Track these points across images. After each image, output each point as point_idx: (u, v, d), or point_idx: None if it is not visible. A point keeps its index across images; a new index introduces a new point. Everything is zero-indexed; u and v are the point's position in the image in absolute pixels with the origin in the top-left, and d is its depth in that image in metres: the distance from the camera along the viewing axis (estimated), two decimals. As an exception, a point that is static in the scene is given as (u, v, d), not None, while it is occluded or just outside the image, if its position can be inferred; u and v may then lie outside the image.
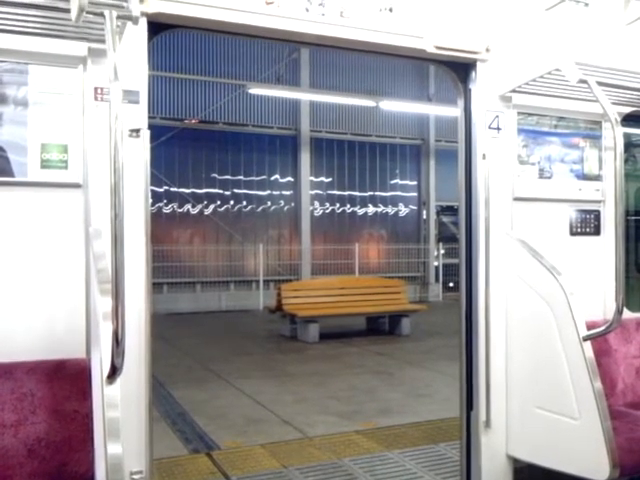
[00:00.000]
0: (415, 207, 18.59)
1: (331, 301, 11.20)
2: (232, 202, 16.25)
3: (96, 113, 2.74)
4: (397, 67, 17.22)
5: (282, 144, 16.81)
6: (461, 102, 3.69)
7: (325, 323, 10.75)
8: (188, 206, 15.82)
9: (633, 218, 4.66)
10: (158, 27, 2.91)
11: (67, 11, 2.29)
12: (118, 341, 2.06)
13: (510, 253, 3.56)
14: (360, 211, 17.79)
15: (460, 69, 3.63)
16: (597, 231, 3.97)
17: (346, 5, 3.18)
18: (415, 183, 18.64)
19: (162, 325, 11.76)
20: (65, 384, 2.66)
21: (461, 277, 3.73)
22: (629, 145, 4.42)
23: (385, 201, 18.15)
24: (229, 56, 15.86)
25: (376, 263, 17.66)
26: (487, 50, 3.52)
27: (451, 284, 17.45)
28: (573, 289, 3.22)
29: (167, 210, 15.56)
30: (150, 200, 2.88)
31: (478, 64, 3.55)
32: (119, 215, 2.07)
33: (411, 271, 17.89)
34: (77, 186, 2.77)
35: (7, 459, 2.53)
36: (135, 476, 2.72)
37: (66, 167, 2.76)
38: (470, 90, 3.63)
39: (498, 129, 3.61)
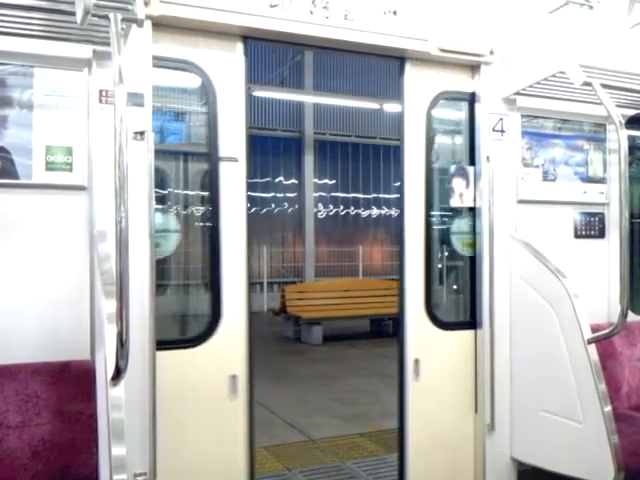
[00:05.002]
0: (419, 209, 18.54)
1: (335, 303, 11.19)
2: (236, 204, 16.23)
3: (101, 115, 2.75)
4: (401, 69, 17.20)
5: (286, 146, 16.83)
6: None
7: (329, 325, 10.74)
8: (192, 208, 15.81)
9: (638, 221, 4.64)
10: None
11: (72, 14, 2.31)
12: (122, 343, 2.06)
13: (514, 255, 3.56)
14: (364, 213, 17.80)
15: None
16: (602, 234, 3.97)
17: (350, 8, 3.19)
18: (419, 185, 18.60)
19: (166, 327, 11.77)
20: (70, 386, 2.66)
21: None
22: (633, 148, 4.40)
23: (389, 203, 18.14)
24: (233, 59, 15.86)
25: (380, 265, 17.64)
26: (491, 53, 3.53)
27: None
28: (578, 292, 3.21)
29: (171, 212, 15.56)
30: (154, 202, 2.88)
31: (482, 67, 3.56)
32: (124, 217, 2.08)
33: (415, 273, 17.84)
34: (82, 188, 2.77)
35: (12, 460, 2.53)
36: (139, 478, 2.72)
37: (71, 169, 2.77)
38: (474, 93, 3.64)
39: (502, 132, 3.61)
